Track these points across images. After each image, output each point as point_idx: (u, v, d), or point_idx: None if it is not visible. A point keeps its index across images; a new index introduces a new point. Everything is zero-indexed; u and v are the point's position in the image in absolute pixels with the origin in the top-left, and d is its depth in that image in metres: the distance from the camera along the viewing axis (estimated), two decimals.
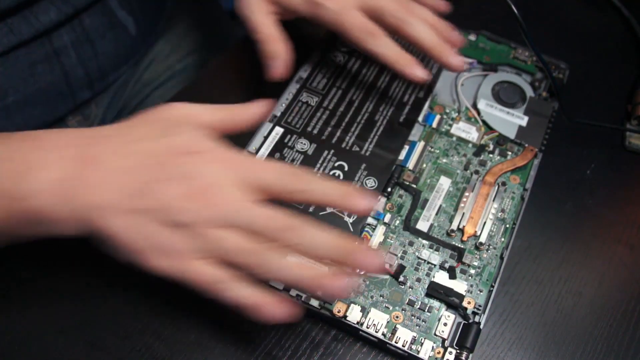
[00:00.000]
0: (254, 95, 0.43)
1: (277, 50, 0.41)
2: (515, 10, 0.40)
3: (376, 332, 0.35)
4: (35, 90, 0.45)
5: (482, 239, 0.38)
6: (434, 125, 0.44)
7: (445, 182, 0.41)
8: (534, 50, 0.42)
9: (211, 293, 0.30)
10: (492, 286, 0.37)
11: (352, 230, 0.37)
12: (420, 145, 0.42)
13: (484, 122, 0.44)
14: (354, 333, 0.36)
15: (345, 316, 0.35)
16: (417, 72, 0.39)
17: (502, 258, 0.38)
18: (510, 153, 0.43)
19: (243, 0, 0.41)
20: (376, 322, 0.35)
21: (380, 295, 0.36)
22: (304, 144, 0.41)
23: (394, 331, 0.35)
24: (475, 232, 0.39)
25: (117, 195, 0.30)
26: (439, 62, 0.41)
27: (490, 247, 0.38)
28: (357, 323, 0.35)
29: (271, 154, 0.40)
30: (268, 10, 0.41)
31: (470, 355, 0.34)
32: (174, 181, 0.30)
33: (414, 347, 0.34)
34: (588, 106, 0.47)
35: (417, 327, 0.35)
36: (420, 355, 0.34)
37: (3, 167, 0.30)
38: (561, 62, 0.48)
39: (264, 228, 0.30)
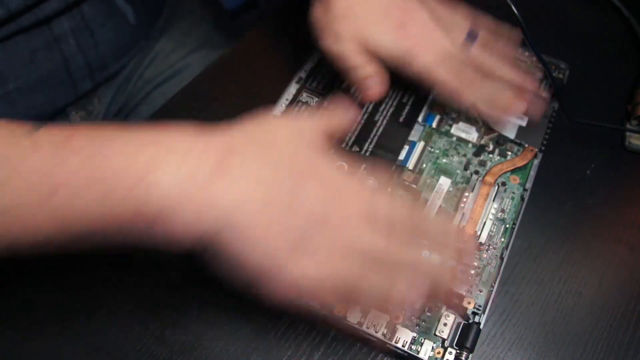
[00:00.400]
0: (255, 95, 0.43)
1: (371, 70, 0.40)
2: (516, 11, 0.39)
3: (376, 332, 0.35)
4: (36, 78, 0.46)
5: (482, 239, 0.38)
6: (434, 125, 0.44)
7: (445, 182, 0.41)
8: (534, 50, 0.42)
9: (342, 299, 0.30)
10: (492, 286, 0.37)
11: None
12: (420, 146, 0.42)
13: (484, 122, 0.44)
14: (354, 333, 0.36)
15: (345, 316, 0.35)
16: (518, 106, 0.41)
17: (502, 258, 0.38)
18: (510, 153, 0.43)
19: (331, 39, 0.40)
20: (376, 322, 0.35)
21: None
22: None
23: (394, 331, 0.35)
24: (475, 232, 0.39)
25: (261, 194, 0.28)
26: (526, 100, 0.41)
27: (490, 247, 0.38)
28: (357, 323, 0.35)
29: None
30: (358, 49, 0.40)
31: (470, 356, 0.34)
32: (309, 203, 0.29)
33: (414, 347, 0.34)
34: (588, 106, 0.47)
35: (417, 328, 0.35)
36: (420, 355, 0.34)
37: (138, 153, 0.27)
38: (561, 62, 0.48)
39: (389, 259, 0.30)
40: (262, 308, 0.32)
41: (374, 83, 0.40)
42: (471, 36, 0.43)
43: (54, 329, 0.35)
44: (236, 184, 0.28)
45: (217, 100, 0.41)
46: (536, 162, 0.42)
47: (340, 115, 0.35)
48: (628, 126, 0.46)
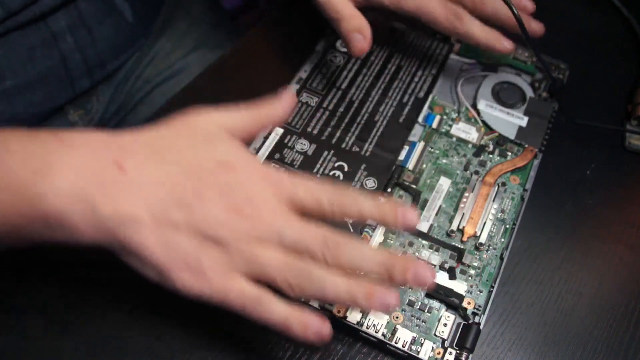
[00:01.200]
0: (255, 95, 0.43)
1: (357, 24, 0.40)
2: (515, 11, 0.39)
3: (376, 332, 0.35)
4: (34, 75, 0.46)
5: (482, 239, 0.38)
6: (434, 125, 0.44)
7: (445, 183, 0.41)
8: (534, 50, 0.42)
9: (248, 313, 0.29)
10: (492, 286, 0.37)
11: (351, 230, 0.37)
12: (420, 146, 0.42)
13: (483, 122, 0.44)
14: (354, 334, 0.36)
15: (345, 317, 0.35)
16: (506, 44, 0.41)
17: (502, 258, 0.38)
18: (510, 153, 0.43)
19: None
20: (376, 322, 0.35)
21: None
22: (304, 145, 0.41)
23: (393, 332, 0.35)
24: (475, 232, 0.39)
25: (150, 207, 0.28)
26: (520, 32, 0.41)
27: (490, 247, 0.38)
28: (357, 323, 0.35)
29: (271, 155, 0.40)
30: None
31: (470, 356, 0.34)
32: (212, 195, 0.29)
33: (413, 347, 0.34)
34: (588, 106, 0.47)
35: (417, 328, 0.35)
36: (420, 355, 0.34)
37: (24, 162, 0.28)
38: (561, 62, 0.48)
39: (304, 244, 0.29)
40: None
41: (356, 39, 0.40)
42: None
43: (54, 329, 0.35)
44: (119, 198, 0.28)
45: (217, 100, 0.41)
46: (536, 162, 0.42)
47: (278, 107, 0.34)
48: (628, 127, 0.46)
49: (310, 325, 0.28)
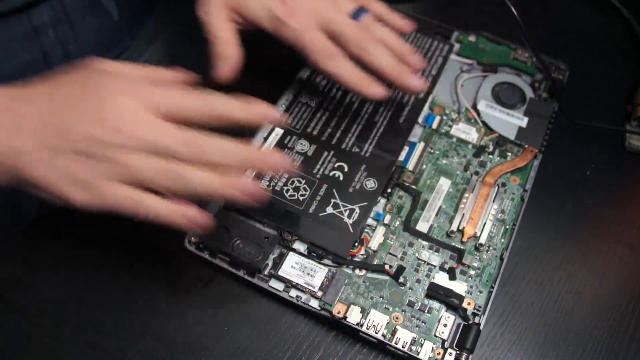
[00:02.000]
0: (255, 95, 0.43)
1: (228, 52, 0.40)
2: (515, 12, 0.40)
3: (376, 333, 0.35)
4: (13, 68, 0.45)
5: (482, 239, 0.38)
6: (434, 126, 0.44)
7: (445, 183, 0.41)
8: (533, 51, 0.42)
9: (135, 213, 0.32)
10: (492, 287, 0.37)
11: (352, 231, 0.37)
12: (420, 147, 0.42)
13: (484, 123, 0.44)
14: (354, 334, 0.36)
15: (345, 317, 0.35)
16: (375, 90, 0.39)
17: (502, 259, 0.38)
18: (510, 154, 0.43)
19: (203, 4, 0.41)
20: (376, 323, 0.35)
21: (380, 296, 0.36)
22: (304, 145, 0.41)
23: (393, 332, 0.35)
24: (475, 233, 0.39)
25: (34, 139, 0.31)
26: (398, 87, 0.40)
27: (490, 248, 0.38)
28: (357, 324, 0.35)
29: None
30: (228, 17, 0.41)
31: (470, 356, 0.34)
32: (84, 114, 0.32)
33: (413, 348, 0.34)
34: (588, 106, 0.47)
35: (417, 328, 0.35)
36: (420, 356, 0.34)
37: None
38: (561, 63, 0.48)
39: (170, 147, 0.32)
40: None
41: (222, 67, 0.40)
42: (357, 12, 0.41)
43: (54, 329, 0.35)
44: (15, 124, 0.32)
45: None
46: (536, 162, 0.42)
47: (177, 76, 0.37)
48: (628, 127, 0.46)
49: (189, 215, 0.32)
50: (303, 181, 0.39)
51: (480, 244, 0.38)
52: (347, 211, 0.38)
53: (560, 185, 0.43)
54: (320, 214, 0.38)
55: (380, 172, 0.40)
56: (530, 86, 0.46)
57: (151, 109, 0.32)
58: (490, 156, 0.43)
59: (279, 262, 0.37)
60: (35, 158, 0.31)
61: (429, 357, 0.34)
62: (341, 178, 0.40)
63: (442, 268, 0.37)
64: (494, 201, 0.40)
